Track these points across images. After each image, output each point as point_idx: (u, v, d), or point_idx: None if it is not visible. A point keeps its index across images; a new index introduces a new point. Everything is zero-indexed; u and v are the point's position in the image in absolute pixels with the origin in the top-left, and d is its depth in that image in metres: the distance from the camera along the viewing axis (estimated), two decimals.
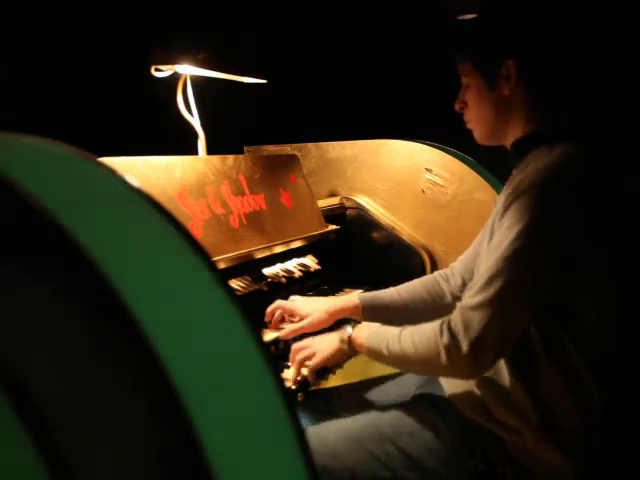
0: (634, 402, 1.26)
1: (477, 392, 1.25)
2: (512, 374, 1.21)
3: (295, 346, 1.46)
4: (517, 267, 1.12)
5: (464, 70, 1.33)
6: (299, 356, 1.42)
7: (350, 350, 1.36)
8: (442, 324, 1.17)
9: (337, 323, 1.61)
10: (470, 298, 1.15)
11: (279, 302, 1.65)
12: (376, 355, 1.29)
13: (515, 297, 1.13)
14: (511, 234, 1.12)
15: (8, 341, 0.45)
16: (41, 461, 0.43)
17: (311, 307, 1.59)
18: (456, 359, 1.14)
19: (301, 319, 1.59)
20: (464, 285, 1.56)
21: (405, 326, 1.27)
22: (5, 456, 0.43)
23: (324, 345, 1.40)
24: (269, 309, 1.66)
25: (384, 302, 1.61)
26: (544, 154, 1.20)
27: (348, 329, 1.36)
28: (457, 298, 1.55)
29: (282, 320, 1.68)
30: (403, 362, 1.25)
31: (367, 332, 1.32)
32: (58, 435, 0.44)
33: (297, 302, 1.63)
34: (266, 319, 1.67)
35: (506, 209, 1.16)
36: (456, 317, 1.15)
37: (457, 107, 1.37)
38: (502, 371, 1.22)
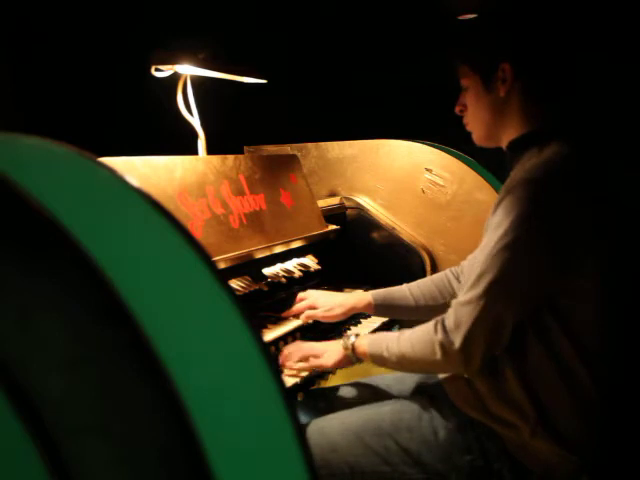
0: (633, 396, 1.27)
1: (474, 388, 1.27)
2: (507, 368, 1.22)
3: (292, 345, 1.51)
4: (504, 264, 1.15)
5: (462, 72, 1.37)
6: (301, 353, 1.47)
7: (354, 357, 1.40)
8: (437, 322, 1.22)
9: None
10: (462, 296, 1.20)
11: (299, 305, 1.74)
12: (378, 359, 1.34)
13: (503, 293, 1.17)
14: (498, 232, 1.16)
15: (8, 341, 0.45)
16: (41, 461, 0.43)
17: (329, 300, 1.70)
18: (450, 354, 1.19)
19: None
20: None
21: (403, 330, 1.32)
22: (5, 456, 0.43)
23: (330, 352, 1.44)
24: (294, 308, 1.74)
25: (395, 299, 1.67)
26: (536, 155, 1.23)
27: (352, 338, 1.41)
28: None
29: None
30: (402, 362, 1.29)
31: (368, 340, 1.38)
32: (58, 435, 0.44)
33: (316, 295, 1.73)
34: (290, 315, 1.76)
35: (496, 207, 1.20)
36: (449, 314, 1.21)
37: (457, 110, 1.40)
38: (497, 366, 1.24)
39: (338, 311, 1.66)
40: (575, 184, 1.19)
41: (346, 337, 1.43)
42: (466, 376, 1.30)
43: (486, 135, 1.37)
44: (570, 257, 1.17)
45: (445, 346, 1.19)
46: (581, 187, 1.20)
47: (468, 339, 1.16)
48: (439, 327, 1.21)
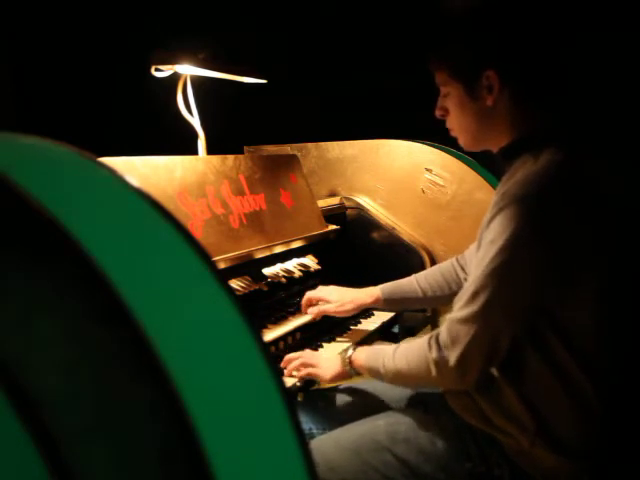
0: (633, 403, 1.26)
1: (472, 396, 1.25)
2: (504, 380, 1.20)
3: (296, 354, 1.52)
4: (499, 283, 1.13)
5: (442, 79, 1.29)
6: (301, 360, 1.48)
7: (352, 370, 1.41)
8: (431, 338, 1.21)
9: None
10: (457, 312, 1.17)
11: (310, 293, 1.78)
12: (375, 374, 1.34)
13: (499, 312, 1.14)
14: (493, 249, 1.12)
15: (8, 341, 0.45)
16: (41, 461, 0.43)
17: (339, 296, 1.72)
18: (444, 372, 1.17)
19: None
20: None
21: (399, 344, 1.31)
22: (5, 456, 0.43)
23: (328, 365, 1.45)
24: (304, 301, 1.77)
25: (403, 292, 1.69)
26: (530, 162, 1.17)
27: (349, 351, 1.41)
28: None
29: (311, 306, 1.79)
30: (398, 378, 1.29)
31: (366, 353, 1.37)
32: (58, 435, 0.44)
33: (326, 290, 1.76)
34: (303, 310, 1.78)
35: (490, 220, 1.16)
36: (444, 331, 1.19)
37: (437, 114, 1.33)
38: (494, 378, 1.22)
39: (349, 307, 1.70)
40: (571, 195, 1.15)
41: (344, 351, 1.42)
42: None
43: (473, 141, 1.31)
44: (568, 271, 1.14)
45: (440, 363, 1.17)
46: (577, 198, 1.15)
47: (464, 358, 1.14)
48: (433, 344, 1.19)
